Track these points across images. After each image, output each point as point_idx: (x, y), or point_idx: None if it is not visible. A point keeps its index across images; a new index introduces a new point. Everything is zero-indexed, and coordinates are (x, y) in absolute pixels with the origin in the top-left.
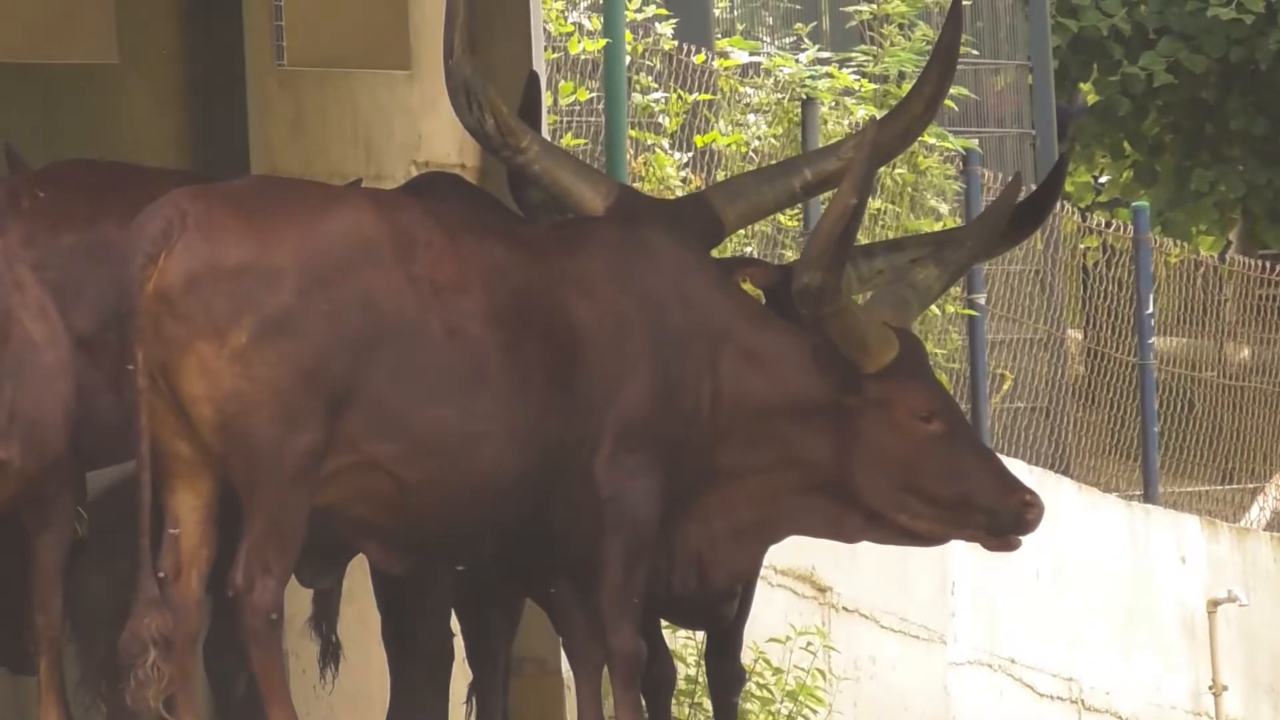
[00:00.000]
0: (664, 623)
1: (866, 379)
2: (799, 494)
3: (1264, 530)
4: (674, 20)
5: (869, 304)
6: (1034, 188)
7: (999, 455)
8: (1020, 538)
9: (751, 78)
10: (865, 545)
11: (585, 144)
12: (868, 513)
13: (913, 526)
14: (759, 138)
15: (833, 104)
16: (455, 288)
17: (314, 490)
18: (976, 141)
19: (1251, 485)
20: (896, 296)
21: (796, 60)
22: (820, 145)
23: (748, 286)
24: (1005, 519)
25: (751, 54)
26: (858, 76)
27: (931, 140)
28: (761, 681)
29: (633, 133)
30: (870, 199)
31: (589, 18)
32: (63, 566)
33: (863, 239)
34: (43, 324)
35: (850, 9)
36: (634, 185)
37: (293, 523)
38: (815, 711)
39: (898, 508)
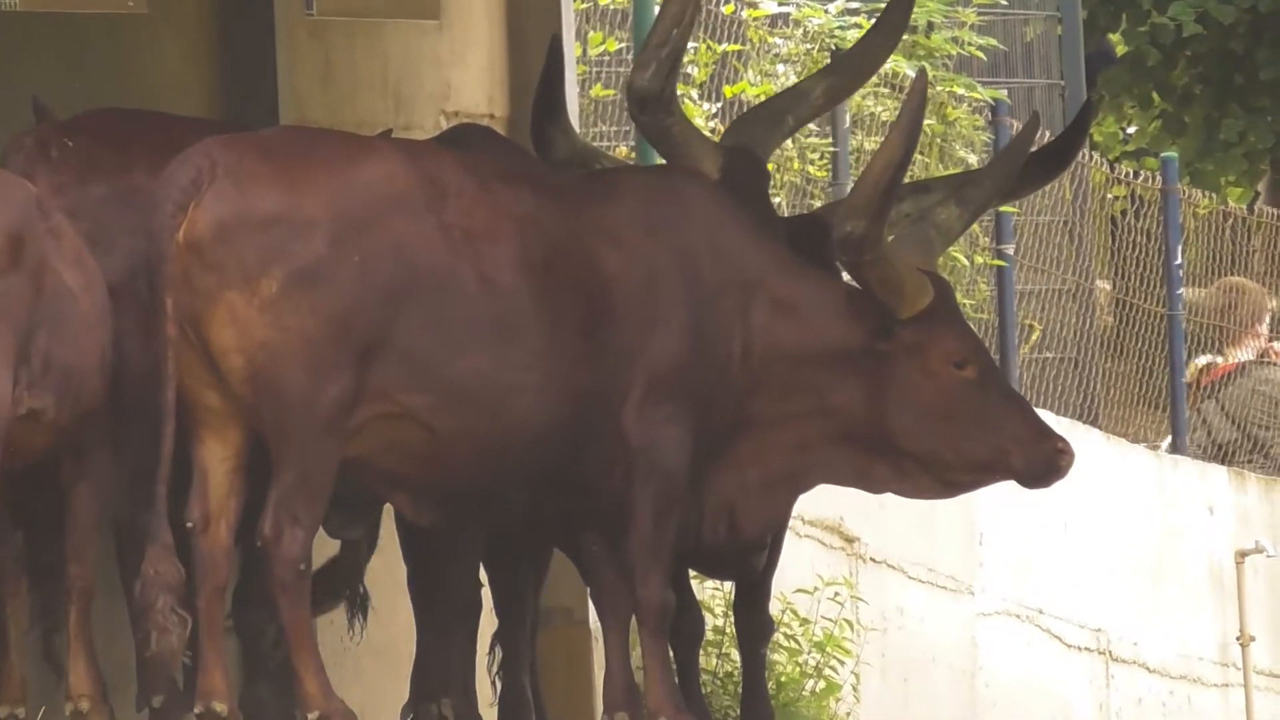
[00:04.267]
0: (692, 573)
1: (899, 325)
2: (830, 442)
3: None
4: None
5: (894, 245)
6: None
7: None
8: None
9: (780, 28)
10: (893, 496)
11: (614, 95)
12: (897, 461)
13: (943, 475)
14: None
15: None
16: (487, 236)
17: (343, 441)
18: (1005, 92)
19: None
20: (921, 237)
21: (825, 11)
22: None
23: None
24: (1037, 465)
25: (780, 4)
26: None
27: (960, 91)
28: (789, 632)
29: None
30: None
31: None
32: (97, 517)
33: None
34: (79, 272)
35: None
36: None
37: (322, 474)
38: (843, 662)
39: (929, 454)
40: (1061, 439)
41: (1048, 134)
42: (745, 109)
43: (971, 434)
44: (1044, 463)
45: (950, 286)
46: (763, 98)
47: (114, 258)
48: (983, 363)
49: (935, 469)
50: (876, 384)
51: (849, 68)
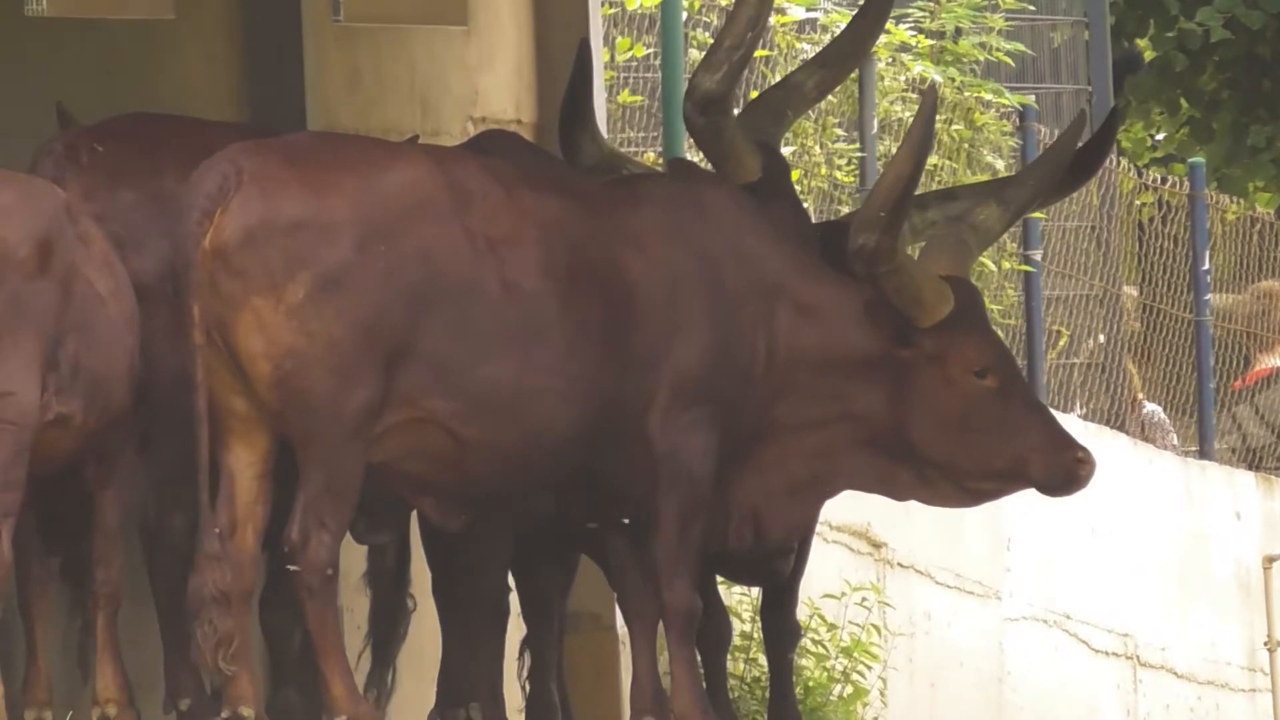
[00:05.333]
0: (719, 579)
1: (920, 333)
2: (854, 448)
3: None
4: None
5: (927, 249)
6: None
7: (1053, 411)
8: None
9: (808, 34)
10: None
11: (642, 100)
12: (919, 469)
13: (964, 484)
14: None
15: (889, 60)
16: (512, 242)
17: (370, 446)
18: (1033, 98)
19: None
20: (956, 239)
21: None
22: (877, 102)
23: None
24: (1057, 475)
25: (808, 10)
26: (914, 32)
27: (988, 96)
28: (816, 637)
29: None
30: None
31: None
32: (125, 522)
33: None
34: (107, 278)
35: None
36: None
37: (349, 479)
38: (870, 667)
39: (949, 462)
40: (1082, 449)
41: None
42: None
43: (991, 443)
44: (1064, 472)
45: (977, 293)
46: None
47: (144, 262)
48: (1005, 372)
49: (956, 477)
50: (898, 391)
51: (837, 59)
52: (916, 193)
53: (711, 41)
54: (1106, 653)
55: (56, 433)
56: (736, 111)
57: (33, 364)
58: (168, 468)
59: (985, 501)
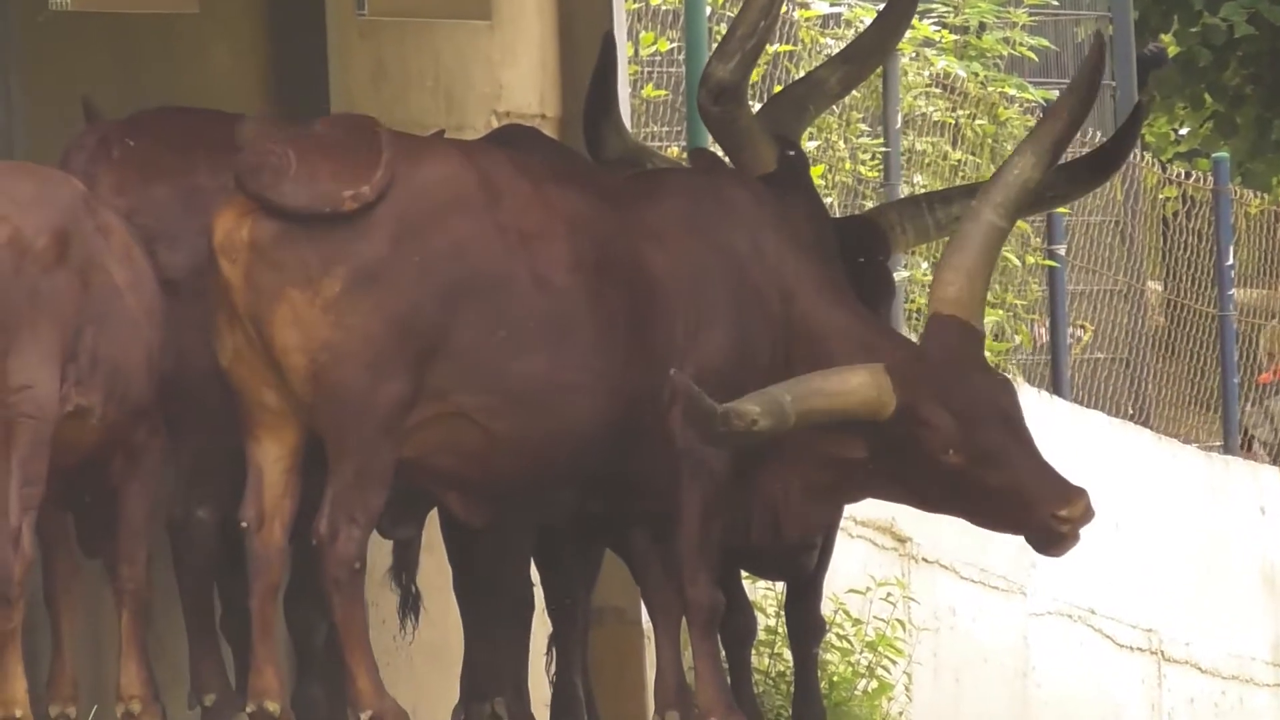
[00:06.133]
0: (744, 574)
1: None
2: (866, 464)
3: None
4: None
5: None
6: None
7: (1077, 405)
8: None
9: (832, 29)
10: None
11: (666, 95)
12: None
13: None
14: None
15: (913, 55)
16: (541, 237)
17: (401, 441)
18: (1056, 93)
19: None
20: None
21: (877, 11)
22: (900, 97)
23: None
24: (1039, 539)
25: (832, 5)
26: (938, 27)
27: (1012, 91)
28: (841, 632)
29: None
30: (950, 150)
31: None
32: (149, 517)
33: (940, 188)
34: (127, 270)
35: None
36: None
37: (379, 473)
38: (895, 662)
39: (946, 511)
40: (1065, 502)
41: (1099, 135)
42: None
43: (978, 511)
44: (1044, 535)
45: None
46: None
47: (176, 257)
48: (970, 448)
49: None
50: (882, 448)
51: (861, 55)
52: (939, 188)
53: None
54: (1131, 648)
55: (76, 425)
56: (756, 105)
57: (51, 356)
58: (195, 462)
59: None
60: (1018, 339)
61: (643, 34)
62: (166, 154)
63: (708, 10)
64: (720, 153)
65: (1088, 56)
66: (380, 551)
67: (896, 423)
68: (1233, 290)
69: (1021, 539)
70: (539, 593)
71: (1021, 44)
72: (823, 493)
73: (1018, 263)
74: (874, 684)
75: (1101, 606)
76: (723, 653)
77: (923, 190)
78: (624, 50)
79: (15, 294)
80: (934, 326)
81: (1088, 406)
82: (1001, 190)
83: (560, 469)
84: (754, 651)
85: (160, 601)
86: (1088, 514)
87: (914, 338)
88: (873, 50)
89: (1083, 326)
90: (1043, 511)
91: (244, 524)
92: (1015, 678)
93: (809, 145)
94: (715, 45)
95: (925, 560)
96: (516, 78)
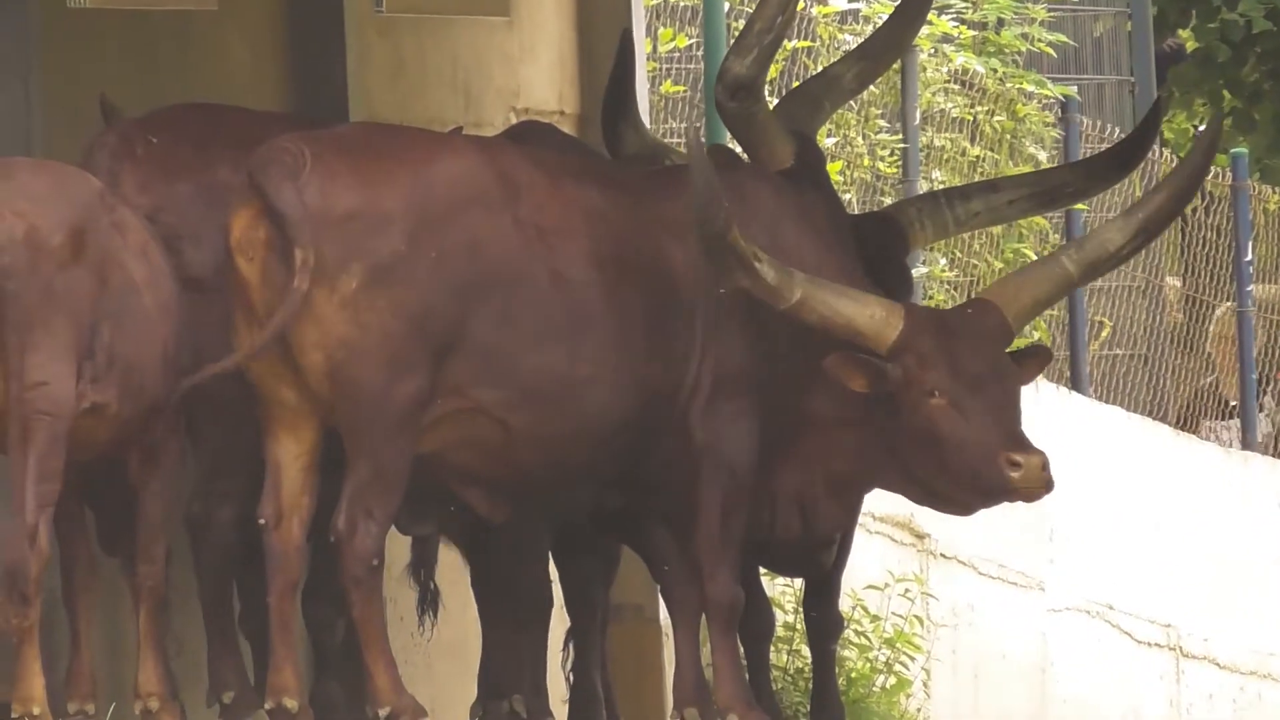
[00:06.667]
0: (762, 570)
1: (893, 364)
2: (881, 451)
3: None
4: None
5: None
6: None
7: (1095, 401)
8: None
9: (850, 25)
10: None
11: (684, 91)
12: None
13: (950, 498)
14: None
15: (931, 51)
16: (559, 232)
17: (418, 437)
18: (1075, 89)
19: None
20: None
21: (894, 7)
22: (919, 93)
23: None
24: (985, 485)
25: (850, 1)
26: (956, 23)
27: (1030, 87)
28: (859, 629)
29: None
30: (969, 146)
31: None
32: (167, 515)
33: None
34: (143, 266)
35: None
36: None
37: (397, 469)
38: (913, 658)
39: (928, 480)
40: (1020, 449)
41: (1118, 131)
42: None
43: (939, 469)
44: (994, 480)
45: (937, 316)
46: None
47: (200, 254)
48: (955, 386)
49: (938, 492)
50: (892, 412)
51: (877, 51)
52: (958, 184)
53: None
54: (1149, 643)
55: (92, 422)
56: (773, 100)
57: (68, 353)
58: (214, 460)
59: (977, 510)
60: (1036, 334)
61: (661, 30)
62: (189, 151)
63: (726, 6)
64: (738, 148)
65: (1201, 135)
66: (399, 548)
67: (894, 357)
68: (1251, 286)
69: (1039, 536)
70: (557, 590)
71: (1040, 40)
72: (844, 482)
73: (1035, 259)
74: (892, 680)
75: (1120, 602)
76: (741, 649)
77: (941, 186)
78: (642, 46)
79: (31, 291)
80: (970, 304)
81: (1106, 402)
82: (1083, 243)
83: (578, 464)
84: (773, 648)
85: (178, 599)
86: (1043, 473)
87: None
88: (889, 46)
89: (1101, 322)
90: (998, 456)
91: (262, 521)
92: (1034, 674)
93: (828, 141)
94: (733, 41)
95: (944, 556)
96: (535, 74)
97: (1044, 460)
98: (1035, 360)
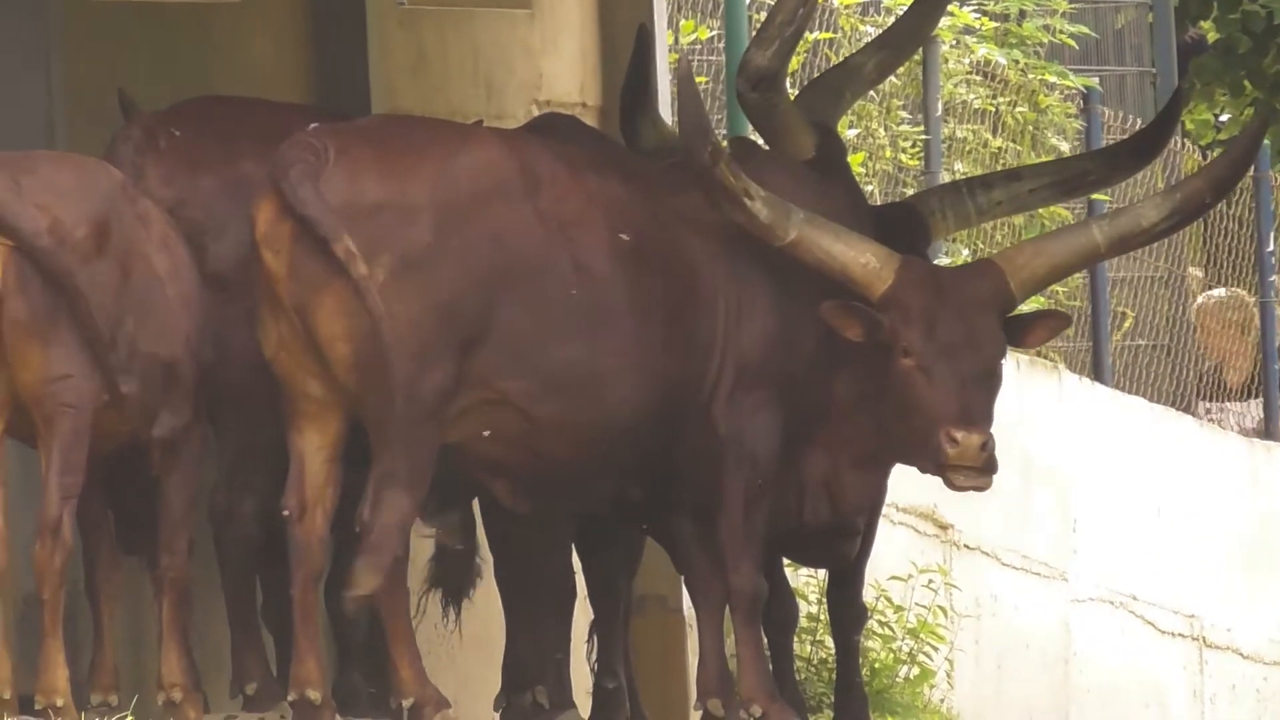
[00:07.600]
0: (786, 561)
1: (883, 318)
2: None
3: None
4: None
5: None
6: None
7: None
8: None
9: (872, 16)
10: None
11: (706, 83)
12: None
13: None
14: None
15: (953, 42)
16: (581, 224)
17: (443, 428)
18: (1097, 80)
19: None
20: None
21: None
22: (940, 84)
23: None
24: (929, 457)
25: None
26: (978, 15)
27: (1052, 79)
28: (883, 619)
29: None
30: (991, 137)
31: None
32: (190, 507)
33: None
34: (166, 259)
35: None
36: None
37: (422, 460)
38: (936, 649)
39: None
40: (963, 425)
41: (1139, 122)
42: None
43: (909, 423)
44: (933, 453)
45: (930, 271)
46: None
47: (224, 248)
48: (928, 348)
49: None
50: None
51: (897, 41)
52: (980, 173)
53: None
54: (1172, 634)
55: (115, 414)
56: (793, 90)
57: (90, 346)
58: (237, 453)
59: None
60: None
61: (683, 22)
62: (212, 144)
63: None
64: (759, 139)
65: (1247, 126)
66: (422, 540)
67: (882, 308)
68: (1273, 276)
69: (1062, 527)
70: (581, 581)
71: (1062, 31)
72: (868, 463)
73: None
74: (916, 671)
75: (1143, 592)
76: (765, 640)
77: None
78: (664, 38)
79: (54, 284)
80: (975, 264)
81: (1129, 393)
82: (1116, 215)
83: (602, 455)
84: (796, 639)
85: (201, 591)
86: (981, 454)
87: None
88: (909, 36)
89: (1124, 313)
90: (939, 429)
91: (286, 513)
92: (1057, 664)
93: (850, 133)
94: (754, 32)
95: (967, 547)
96: (557, 66)
97: (985, 441)
98: (1045, 325)
